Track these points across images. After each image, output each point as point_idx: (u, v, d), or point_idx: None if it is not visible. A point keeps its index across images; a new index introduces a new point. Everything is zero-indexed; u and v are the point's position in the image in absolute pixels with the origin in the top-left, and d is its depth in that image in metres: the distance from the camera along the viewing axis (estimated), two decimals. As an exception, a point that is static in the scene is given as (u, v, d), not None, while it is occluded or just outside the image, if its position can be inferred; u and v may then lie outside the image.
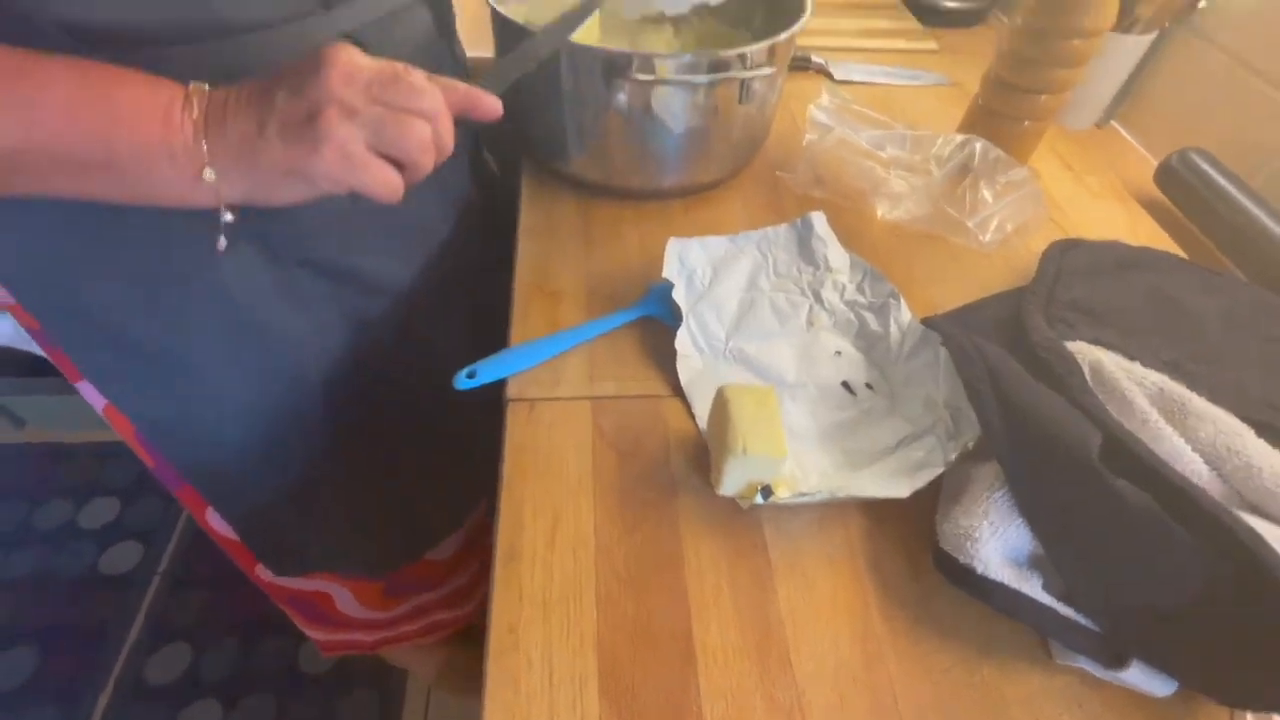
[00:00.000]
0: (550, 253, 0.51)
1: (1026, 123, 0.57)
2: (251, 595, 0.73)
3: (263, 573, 0.66)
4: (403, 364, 0.59)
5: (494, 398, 0.43)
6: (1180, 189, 0.61)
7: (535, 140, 0.56)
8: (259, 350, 0.49)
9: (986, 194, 0.49)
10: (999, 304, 0.46)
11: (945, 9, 0.88)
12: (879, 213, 0.54)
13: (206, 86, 0.33)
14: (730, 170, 0.58)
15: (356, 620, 0.77)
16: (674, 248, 0.47)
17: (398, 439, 0.63)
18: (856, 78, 0.73)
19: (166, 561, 1.20)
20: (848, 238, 0.51)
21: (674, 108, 0.49)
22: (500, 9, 0.49)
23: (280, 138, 0.32)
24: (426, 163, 0.35)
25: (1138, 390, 0.35)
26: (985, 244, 0.48)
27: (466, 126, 0.37)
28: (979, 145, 0.50)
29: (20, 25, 0.33)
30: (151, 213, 0.38)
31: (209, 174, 0.32)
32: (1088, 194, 0.61)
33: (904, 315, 0.45)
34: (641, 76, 0.45)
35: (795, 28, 0.49)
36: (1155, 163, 0.66)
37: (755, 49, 0.47)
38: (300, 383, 0.53)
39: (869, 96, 0.71)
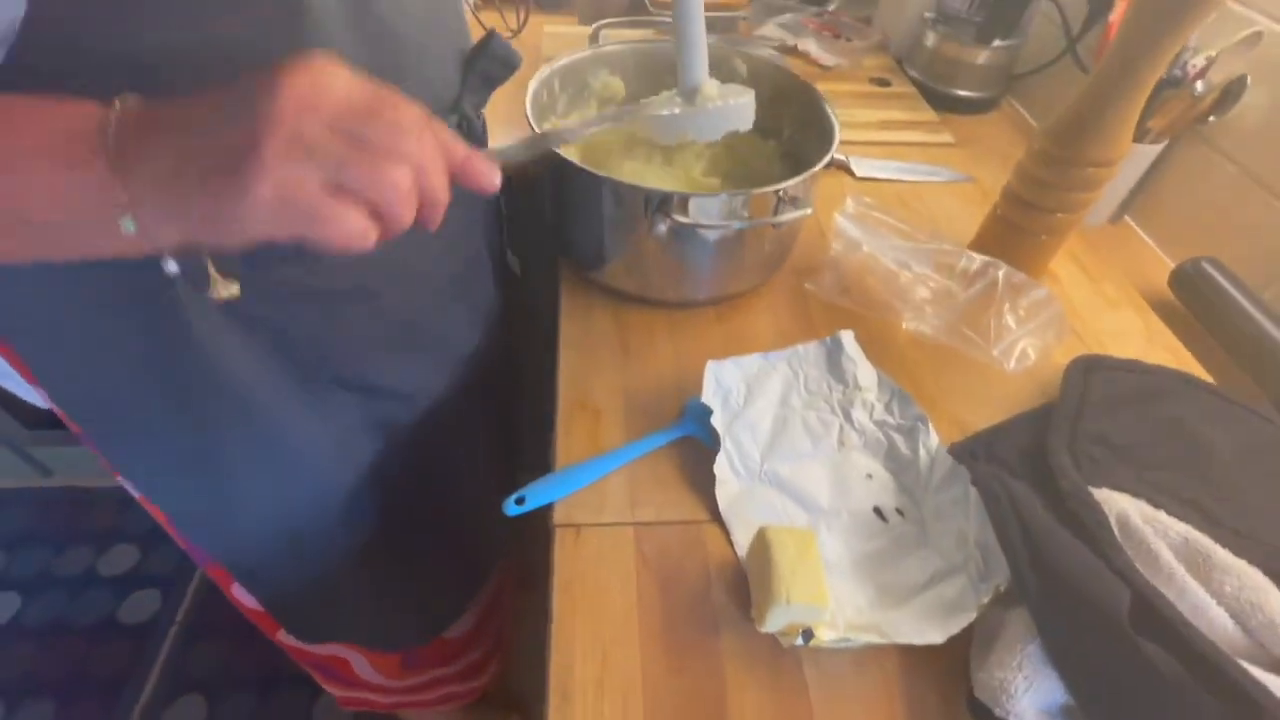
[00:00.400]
0: (589, 366, 0.53)
1: (1044, 237, 0.60)
2: (268, 649, 0.74)
3: (285, 638, 0.67)
4: (425, 465, 0.62)
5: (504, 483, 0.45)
6: (1194, 296, 0.63)
7: (575, 251, 0.59)
8: (286, 456, 0.51)
9: (1010, 320, 0.51)
10: (1024, 430, 0.48)
11: (959, 97, 0.91)
12: (904, 324, 0.56)
13: (123, 103, 0.26)
14: (761, 279, 0.60)
15: (373, 684, 0.79)
16: (711, 371, 0.49)
17: (417, 530, 0.65)
18: (877, 174, 0.76)
19: (183, 613, 1.21)
20: (874, 348, 0.53)
21: (710, 238, 0.52)
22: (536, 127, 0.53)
23: (200, 176, 0.25)
24: (405, 215, 0.29)
25: (1163, 544, 0.37)
26: (1010, 370, 0.50)
27: (489, 236, 0.37)
28: (1001, 272, 0.52)
29: (64, 59, 0.29)
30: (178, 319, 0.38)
31: (127, 224, 0.26)
32: (1105, 302, 0.63)
33: (932, 440, 0.47)
34: (680, 219, 0.47)
35: (826, 159, 0.52)
36: (1170, 262, 0.68)
37: (792, 185, 0.50)
38: (326, 484, 0.55)
39: (890, 194, 0.74)
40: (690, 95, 0.51)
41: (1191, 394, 0.50)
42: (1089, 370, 0.51)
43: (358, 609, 0.66)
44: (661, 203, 0.48)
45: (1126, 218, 0.77)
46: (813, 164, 0.61)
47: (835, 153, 0.54)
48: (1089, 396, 0.49)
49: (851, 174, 0.76)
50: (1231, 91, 0.63)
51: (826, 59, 0.94)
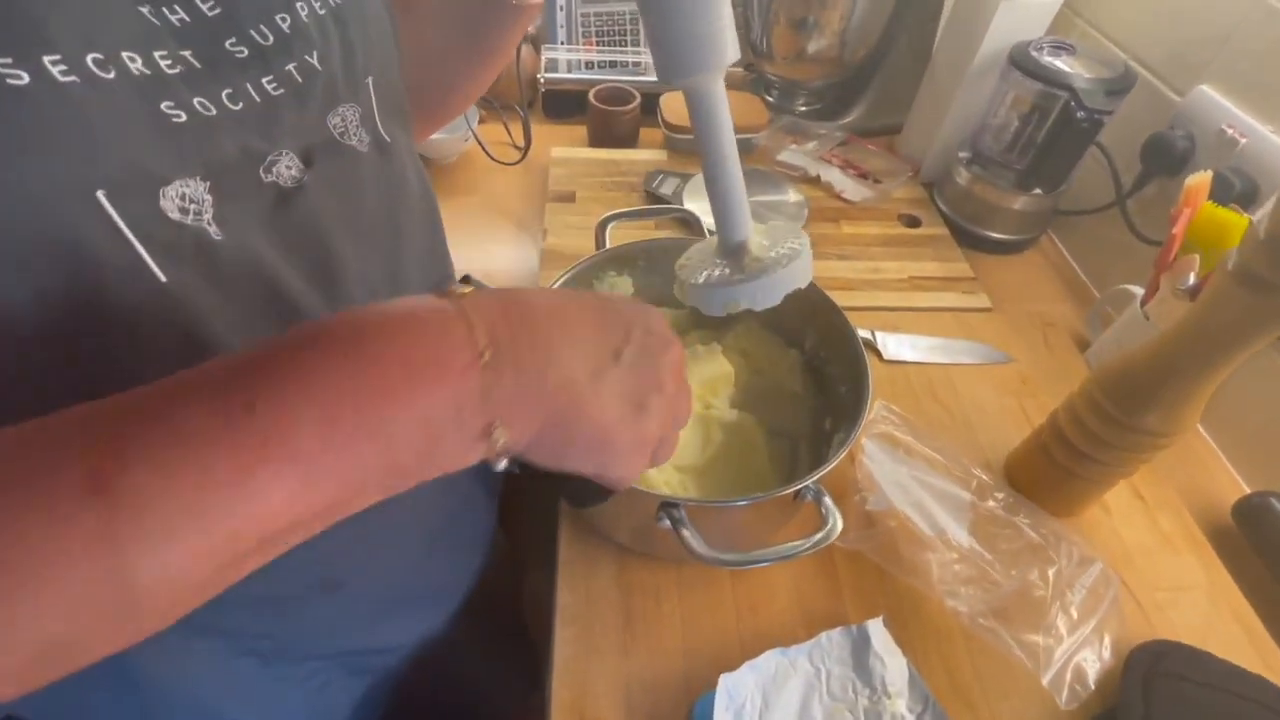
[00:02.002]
0: (588, 649, 0.48)
1: (1093, 481, 0.54)
2: None
3: None
4: (421, 692, 0.57)
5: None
6: (1257, 533, 0.57)
7: (574, 500, 0.54)
8: None
9: (1061, 625, 0.45)
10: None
11: (992, 239, 0.84)
12: (937, 594, 0.51)
13: (488, 350, 0.24)
14: (778, 530, 0.55)
15: None
16: (724, 685, 0.44)
17: None
18: (907, 356, 0.70)
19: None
20: (906, 618, 0.48)
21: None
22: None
23: (618, 402, 0.28)
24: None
25: None
26: (1064, 706, 0.44)
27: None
28: (1051, 572, 0.47)
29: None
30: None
31: (499, 435, 0.25)
32: (1161, 541, 0.57)
33: (972, 780, 0.42)
34: (687, 537, 0.42)
35: (850, 441, 0.46)
36: (1241, 481, 0.62)
37: (814, 480, 0.44)
38: None
39: (920, 379, 0.68)
40: (735, 253, 0.41)
41: (1264, 705, 0.45)
42: (1149, 680, 0.45)
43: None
44: (668, 506, 0.43)
45: (1198, 425, 0.70)
46: (837, 387, 0.56)
47: (865, 420, 0.48)
48: (1154, 711, 0.43)
49: (878, 355, 0.70)
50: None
51: (851, 193, 0.88)
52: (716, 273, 0.41)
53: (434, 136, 0.85)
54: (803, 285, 0.41)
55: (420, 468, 0.24)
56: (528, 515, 0.67)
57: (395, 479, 0.24)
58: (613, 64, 1.02)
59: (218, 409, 0.20)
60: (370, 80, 0.38)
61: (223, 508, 0.20)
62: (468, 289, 0.25)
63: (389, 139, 0.40)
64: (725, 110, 0.35)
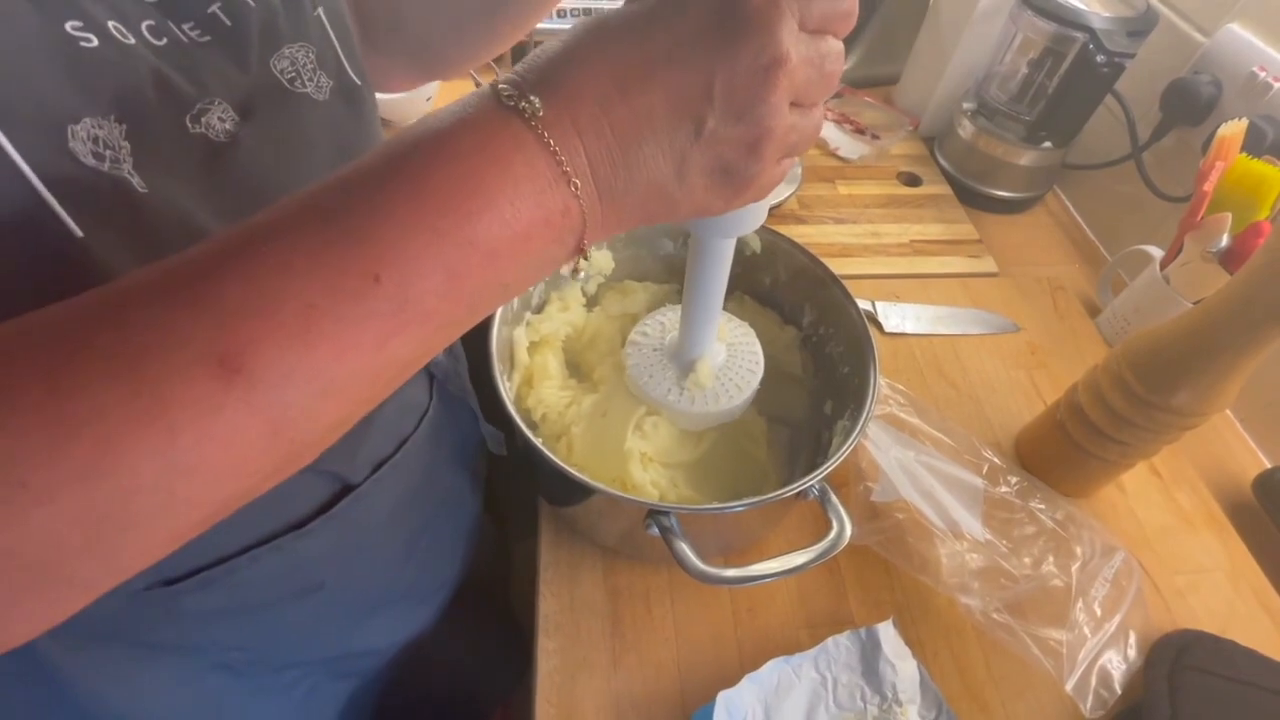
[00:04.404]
0: (573, 664, 0.44)
1: (1112, 461, 0.50)
2: None
3: None
4: (410, 686, 0.54)
5: None
6: (1278, 508, 0.54)
7: (557, 502, 0.50)
8: None
9: (1085, 624, 0.42)
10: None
11: (996, 198, 0.79)
12: (948, 590, 0.47)
13: (562, 147, 0.22)
14: (776, 526, 0.51)
15: None
16: (722, 702, 0.41)
17: None
18: (910, 328, 0.65)
19: None
20: (915, 615, 0.46)
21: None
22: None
23: (707, 182, 0.24)
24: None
25: None
26: (1089, 714, 0.41)
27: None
28: (1075, 567, 0.43)
29: None
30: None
31: (590, 254, 0.25)
32: (1180, 520, 0.54)
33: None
34: (681, 549, 0.37)
35: (854, 437, 0.42)
36: (1266, 460, 0.59)
37: (812, 481, 0.40)
38: None
39: (925, 353, 0.64)
40: (684, 365, 0.46)
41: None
42: (1174, 676, 0.42)
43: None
44: (657, 514, 0.38)
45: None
46: (839, 368, 0.52)
47: (867, 417, 0.44)
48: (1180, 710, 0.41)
49: (880, 327, 0.65)
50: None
51: (847, 149, 0.82)
52: (655, 374, 0.46)
53: (393, 96, 0.77)
54: (728, 420, 0.47)
55: (523, 286, 0.24)
56: (514, 486, 0.63)
57: (507, 297, 0.24)
58: (588, 11, 0.94)
59: (344, 283, 0.19)
60: (322, 12, 0.33)
61: (365, 369, 0.20)
62: (530, 99, 0.21)
63: (359, 81, 0.35)
64: (730, 258, 0.39)
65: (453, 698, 0.62)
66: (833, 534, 0.38)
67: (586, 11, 0.93)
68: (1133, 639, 0.43)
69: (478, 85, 0.82)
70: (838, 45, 0.24)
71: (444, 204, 0.20)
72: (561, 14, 0.93)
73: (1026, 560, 0.46)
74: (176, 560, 0.32)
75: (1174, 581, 0.51)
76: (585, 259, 0.25)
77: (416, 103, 0.81)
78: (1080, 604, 0.43)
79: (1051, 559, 0.46)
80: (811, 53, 0.23)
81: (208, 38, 0.28)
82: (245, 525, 0.34)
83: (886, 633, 0.44)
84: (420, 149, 0.21)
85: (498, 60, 0.83)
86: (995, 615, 0.45)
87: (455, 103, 0.22)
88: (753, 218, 0.35)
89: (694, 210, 0.25)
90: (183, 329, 0.18)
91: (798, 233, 0.73)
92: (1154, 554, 0.52)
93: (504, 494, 0.65)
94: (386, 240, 0.19)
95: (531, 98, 0.21)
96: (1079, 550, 0.45)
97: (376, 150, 0.21)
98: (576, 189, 0.22)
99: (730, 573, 0.36)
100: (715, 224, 0.35)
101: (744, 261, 0.55)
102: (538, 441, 0.40)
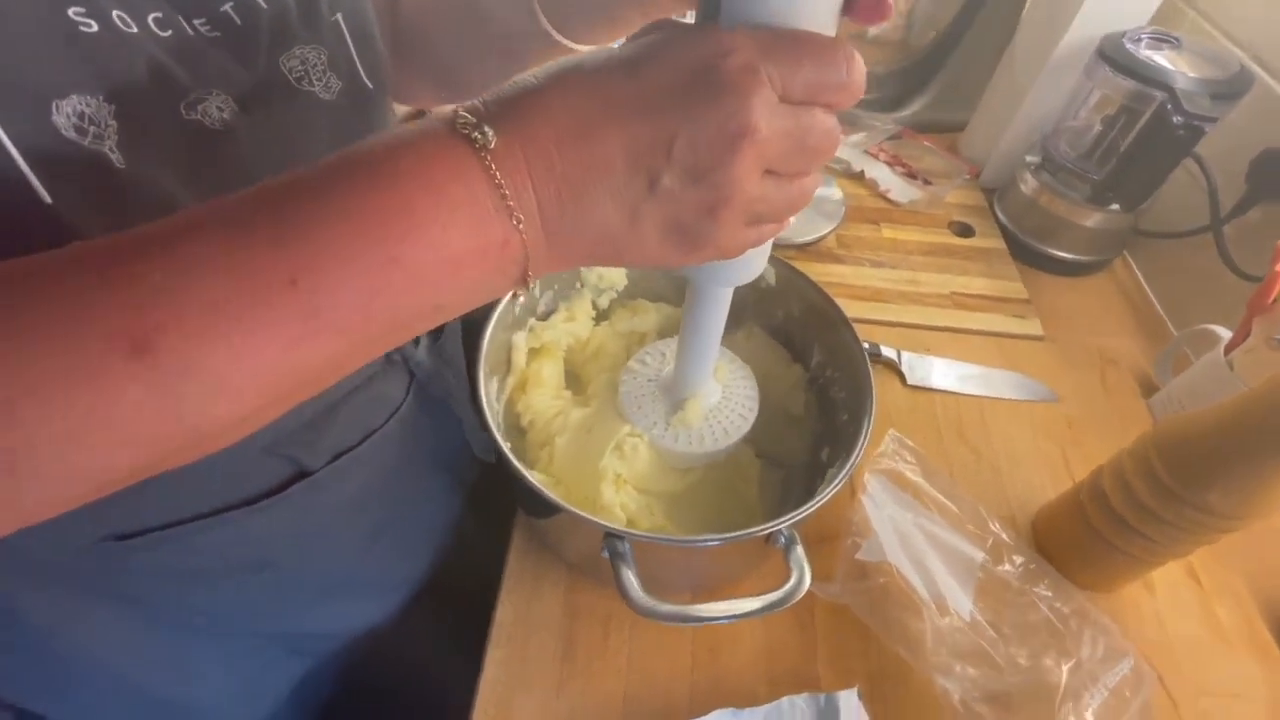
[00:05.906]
0: (517, 676, 0.43)
1: (1135, 556, 0.45)
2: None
3: None
4: (369, 674, 0.54)
5: None
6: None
7: (531, 514, 0.49)
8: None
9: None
10: None
11: (1056, 259, 0.74)
12: (927, 669, 0.43)
13: (508, 181, 0.22)
14: (749, 570, 0.48)
15: None
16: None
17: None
18: (935, 383, 0.61)
19: None
20: (882, 693, 0.42)
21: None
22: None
23: (660, 237, 0.24)
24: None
25: None
26: None
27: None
28: (1067, 666, 0.39)
29: None
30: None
31: (535, 286, 0.25)
32: (1213, 633, 0.48)
33: None
34: (625, 576, 0.36)
35: (837, 482, 0.39)
36: None
37: (790, 522, 0.38)
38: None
39: (947, 411, 0.60)
40: (676, 401, 0.45)
41: None
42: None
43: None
44: (612, 538, 0.37)
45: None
46: (839, 414, 0.49)
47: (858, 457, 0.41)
48: None
49: (902, 379, 0.62)
50: None
51: (898, 193, 0.79)
52: (645, 405, 0.46)
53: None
54: (711, 462, 0.47)
55: (460, 309, 0.24)
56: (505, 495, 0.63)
57: (442, 318, 0.24)
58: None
59: (259, 284, 0.19)
60: (340, 18, 0.34)
61: (268, 371, 0.20)
62: (484, 129, 0.21)
63: (371, 86, 0.36)
64: (727, 305, 0.38)
65: (422, 697, 0.62)
66: (789, 584, 0.36)
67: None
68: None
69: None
70: (827, 119, 0.24)
71: (370, 220, 0.20)
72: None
73: (1021, 650, 0.41)
74: (128, 517, 0.33)
75: (1199, 703, 0.45)
76: (527, 290, 0.25)
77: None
78: (1070, 708, 0.38)
79: (1049, 655, 0.42)
80: (791, 125, 0.23)
81: (217, 34, 0.29)
82: (197, 494, 0.35)
83: (848, 702, 0.40)
84: (363, 163, 0.21)
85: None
86: (976, 705, 0.41)
87: (416, 123, 0.23)
88: (746, 269, 0.34)
89: (646, 260, 0.25)
90: (100, 305, 0.18)
91: (833, 272, 0.71)
92: (1177, 667, 0.46)
93: (499, 502, 0.65)
94: (309, 250, 0.20)
95: (486, 129, 0.21)
96: (1081, 649, 0.41)
97: (329, 158, 0.22)
98: (520, 223, 0.22)
99: (666, 608, 0.34)
100: (708, 272, 0.34)
101: (759, 293, 0.54)
102: (505, 446, 0.40)
